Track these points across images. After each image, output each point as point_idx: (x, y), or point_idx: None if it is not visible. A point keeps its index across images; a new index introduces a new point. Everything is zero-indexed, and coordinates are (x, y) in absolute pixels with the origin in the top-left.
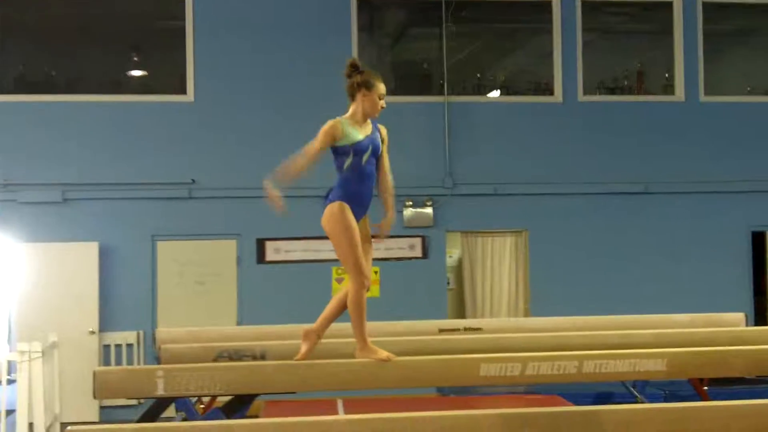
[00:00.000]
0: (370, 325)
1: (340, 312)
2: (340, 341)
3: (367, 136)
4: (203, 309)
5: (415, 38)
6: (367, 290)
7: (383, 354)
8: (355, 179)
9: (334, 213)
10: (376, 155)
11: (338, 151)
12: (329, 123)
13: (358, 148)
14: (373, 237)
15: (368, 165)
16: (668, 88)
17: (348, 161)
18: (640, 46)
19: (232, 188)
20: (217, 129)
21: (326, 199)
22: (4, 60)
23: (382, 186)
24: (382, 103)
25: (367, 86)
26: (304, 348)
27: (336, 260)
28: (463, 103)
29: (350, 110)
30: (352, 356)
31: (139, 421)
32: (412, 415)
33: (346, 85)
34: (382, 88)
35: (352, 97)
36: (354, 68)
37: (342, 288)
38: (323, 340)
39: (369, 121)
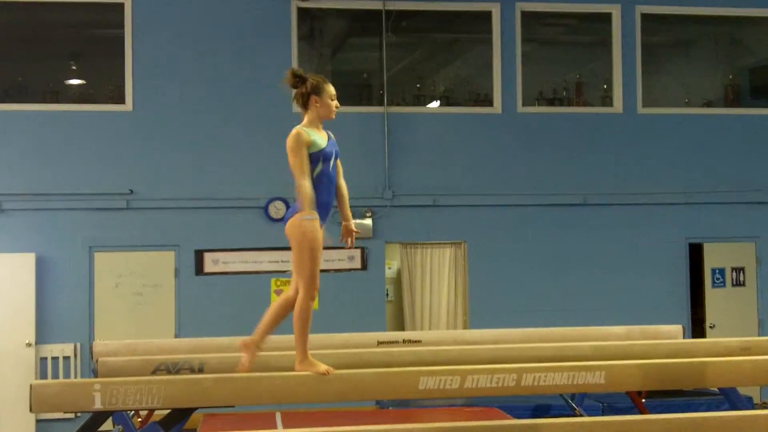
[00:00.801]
0: (308, 338)
1: (279, 321)
2: (279, 354)
3: (328, 142)
4: (141, 321)
5: (355, 48)
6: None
7: (322, 367)
8: (323, 187)
9: (304, 223)
10: (336, 160)
11: (309, 159)
12: (294, 135)
13: (326, 155)
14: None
15: (333, 171)
16: (606, 100)
17: (318, 169)
18: (579, 58)
19: (171, 199)
20: (156, 139)
21: (291, 207)
22: None
23: (339, 193)
24: (336, 103)
25: (317, 92)
26: (244, 359)
27: (275, 271)
28: (402, 114)
29: (306, 119)
30: (292, 369)
31: None
32: (350, 429)
33: (295, 96)
34: (331, 89)
35: (305, 107)
36: (298, 78)
37: (279, 298)
38: (263, 353)
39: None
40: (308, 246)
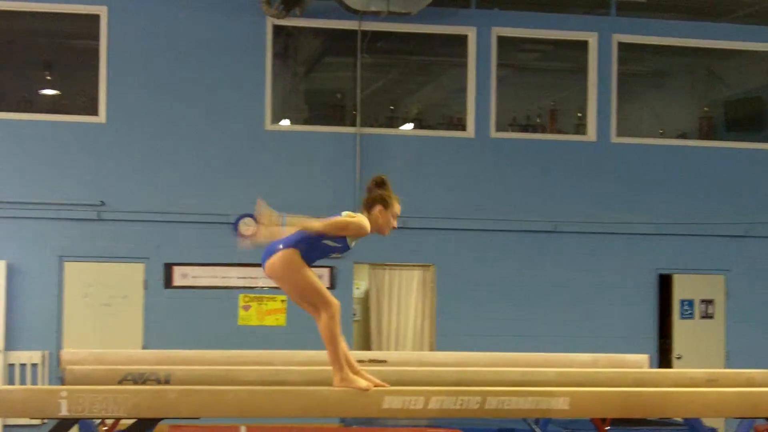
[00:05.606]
0: (273, 354)
1: (336, 344)
2: (246, 369)
3: (344, 244)
4: (109, 331)
5: (329, 67)
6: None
7: (362, 383)
8: (316, 253)
9: (284, 259)
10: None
11: (335, 239)
12: (359, 223)
13: (343, 250)
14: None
15: (326, 252)
16: (580, 128)
17: (329, 244)
18: (554, 84)
19: (142, 211)
20: (128, 151)
21: (267, 247)
22: None
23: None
24: (395, 223)
25: (384, 204)
26: (362, 385)
27: (243, 287)
28: (375, 135)
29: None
30: (258, 384)
31: None
32: None
33: (365, 198)
34: (398, 208)
35: (368, 210)
36: (378, 184)
37: (320, 331)
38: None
39: None
40: (295, 273)
